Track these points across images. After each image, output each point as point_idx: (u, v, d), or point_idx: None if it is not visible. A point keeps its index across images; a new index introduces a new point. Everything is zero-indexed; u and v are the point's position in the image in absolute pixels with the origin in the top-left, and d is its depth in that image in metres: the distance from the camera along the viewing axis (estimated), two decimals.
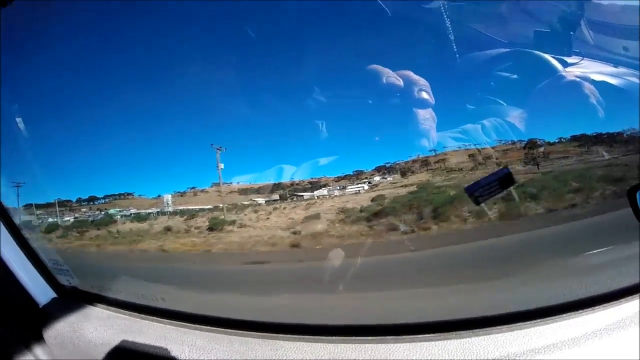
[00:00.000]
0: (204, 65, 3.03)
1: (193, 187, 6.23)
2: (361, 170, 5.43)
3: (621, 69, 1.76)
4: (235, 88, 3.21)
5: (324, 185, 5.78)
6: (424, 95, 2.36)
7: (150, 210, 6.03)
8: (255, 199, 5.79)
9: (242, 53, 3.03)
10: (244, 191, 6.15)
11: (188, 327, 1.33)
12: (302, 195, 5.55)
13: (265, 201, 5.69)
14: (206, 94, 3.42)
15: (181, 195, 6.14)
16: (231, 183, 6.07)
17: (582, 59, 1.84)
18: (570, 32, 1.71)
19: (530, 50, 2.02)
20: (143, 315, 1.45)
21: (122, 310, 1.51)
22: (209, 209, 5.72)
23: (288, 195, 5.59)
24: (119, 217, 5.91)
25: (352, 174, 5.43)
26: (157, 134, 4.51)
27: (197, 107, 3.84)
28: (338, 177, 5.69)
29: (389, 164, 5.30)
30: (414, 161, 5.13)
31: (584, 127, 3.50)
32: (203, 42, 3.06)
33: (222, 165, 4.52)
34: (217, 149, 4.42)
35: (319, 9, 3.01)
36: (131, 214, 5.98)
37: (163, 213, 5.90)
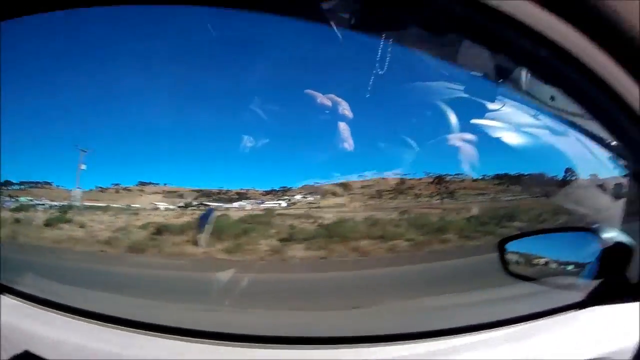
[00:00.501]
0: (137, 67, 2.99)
1: (117, 184, 5.88)
2: (288, 187, 5.36)
3: (542, 119, 1.66)
4: (167, 89, 3.17)
5: (249, 198, 5.73)
6: (347, 114, 2.45)
7: (55, 203, 5.71)
8: (156, 203, 5.67)
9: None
10: (169, 194, 6.01)
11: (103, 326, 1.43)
12: (209, 205, 5.50)
13: (165, 207, 5.63)
14: (142, 94, 3.33)
15: (102, 191, 5.76)
16: (158, 184, 5.95)
17: (503, 105, 1.71)
18: (500, 79, 1.54)
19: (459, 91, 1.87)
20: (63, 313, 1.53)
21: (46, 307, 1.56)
22: (99, 207, 5.59)
23: (194, 204, 5.52)
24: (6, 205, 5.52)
25: (278, 189, 5.39)
26: (86, 123, 4.28)
27: (129, 101, 3.68)
28: (265, 192, 5.63)
29: (317, 184, 5.27)
30: (339, 184, 5.13)
31: (508, 167, 3.76)
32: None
33: (83, 166, 4.56)
34: (82, 151, 4.34)
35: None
36: (35, 204, 5.66)
37: (68, 207, 5.63)
